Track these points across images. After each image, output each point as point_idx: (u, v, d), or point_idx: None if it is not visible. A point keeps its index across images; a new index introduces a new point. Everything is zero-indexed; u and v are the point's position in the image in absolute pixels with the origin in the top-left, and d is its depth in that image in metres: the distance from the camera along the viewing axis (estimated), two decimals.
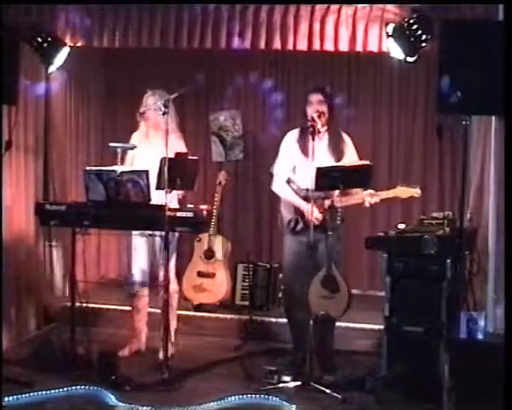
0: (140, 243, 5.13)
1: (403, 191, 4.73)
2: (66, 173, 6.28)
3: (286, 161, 4.94)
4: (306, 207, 4.71)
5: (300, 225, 4.80)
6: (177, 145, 4.89)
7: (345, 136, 4.99)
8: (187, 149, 5.13)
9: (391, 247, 4.67)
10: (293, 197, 4.87)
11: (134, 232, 5.09)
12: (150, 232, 4.89)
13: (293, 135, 4.98)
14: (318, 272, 4.66)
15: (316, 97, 4.84)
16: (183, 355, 5.12)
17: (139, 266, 5.16)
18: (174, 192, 4.79)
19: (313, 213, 4.63)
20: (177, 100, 4.77)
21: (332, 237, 4.66)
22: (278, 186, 4.98)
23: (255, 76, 7.09)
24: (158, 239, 4.97)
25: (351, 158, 4.88)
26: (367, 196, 4.71)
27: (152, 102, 5.01)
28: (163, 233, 4.61)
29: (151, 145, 5.05)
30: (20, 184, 5.51)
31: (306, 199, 4.73)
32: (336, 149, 4.88)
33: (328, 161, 4.77)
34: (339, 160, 4.83)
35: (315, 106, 4.81)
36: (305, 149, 4.79)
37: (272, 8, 5.20)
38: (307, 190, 4.67)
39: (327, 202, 4.76)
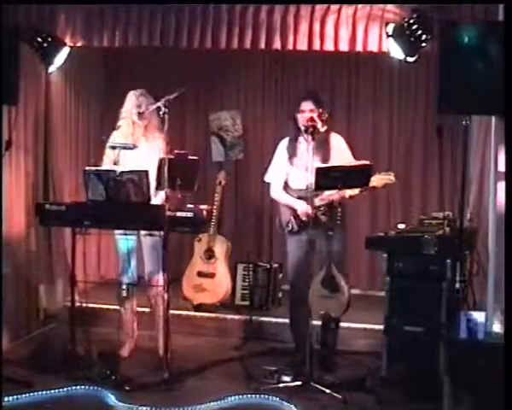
0: (121, 243, 5.12)
1: (378, 180, 4.74)
2: (66, 173, 6.28)
3: (278, 169, 5.06)
4: (300, 204, 4.82)
5: (296, 226, 4.85)
6: (163, 148, 4.86)
7: (338, 137, 5.00)
8: (186, 149, 5.13)
9: (391, 247, 4.67)
10: (289, 199, 4.98)
11: (114, 233, 5.09)
12: (135, 233, 4.92)
13: (283, 143, 5.09)
14: (319, 271, 4.67)
15: (307, 106, 4.87)
16: (183, 355, 5.12)
17: (124, 266, 5.15)
18: (162, 193, 4.75)
19: (303, 208, 4.76)
20: (176, 100, 4.77)
21: (332, 237, 4.67)
22: (274, 192, 5.11)
23: (255, 76, 7.10)
24: (148, 239, 4.96)
25: (341, 158, 4.88)
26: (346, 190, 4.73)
27: (144, 102, 5.00)
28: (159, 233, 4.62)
29: (141, 146, 5.03)
30: (20, 184, 5.51)
31: (300, 199, 4.86)
32: (321, 150, 4.88)
33: (314, 163, 4.75)
34: (325, 161, 4.84)
35: (306, 113, 4.84)
36: (293, 154, 4.95)
37: (272, 8, 5.19)
38: (300, 190, 4.83)
39: (316, 200, 4.79)
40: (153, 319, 5.12)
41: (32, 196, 5.62)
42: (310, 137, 4.68)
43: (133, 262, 5.14)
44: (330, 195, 4.76)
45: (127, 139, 5.03)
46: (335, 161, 4.83)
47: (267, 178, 5.15)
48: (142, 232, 4.91)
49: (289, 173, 5.00)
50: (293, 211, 4.92)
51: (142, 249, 5.11)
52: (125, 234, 4.97)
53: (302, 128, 4.83)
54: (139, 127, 5.07)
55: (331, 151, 4.91)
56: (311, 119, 4.78)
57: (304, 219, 4.82)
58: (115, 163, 4.92)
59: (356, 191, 4.76)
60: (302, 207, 4.82)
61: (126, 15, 5.41)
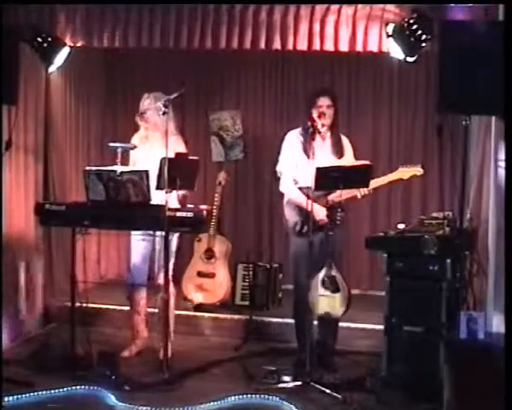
0: (137, 244, 5.13)
1: (404, 172, 4.76)
2: (66, 173, 6.28)
3: (290, 160, 4.96)
4: (316, 207, 4.73)
5: (306, 228, 4.79)
6: (177, 147, 4.90)
7: (344, 139, 5.02)
8: (187, 149, 5.13)
9: (391, 247, 4.67)
10: (301, 198, 4.84)
11: (132, 233, 5.11)
12: (148, 233, 4.91)
13: (295, 133, 5.01)
14: (319, 271, 4.67)
15: (324, 101, 4.85)
16: (183, 355, 5.12)
17: (137, 267, 5.16)
18: (174, 192, 4.77)
19: (321, 214, 4.69)
20: (177, 100, 4.77)
21: (332, 236, 4.67)
22: (286, 186, 4.99)
23: (255, 76, 7.11)
24: (156, 240, 4.97)
25: (349, 161, 4.90)
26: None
27: (148, 104, 5.01)
28: (163, 233, 4.62)
29: (151, 146, 5.05)
30: (20, 184, 5.51)
31: (308, 197, 4.74)
32: (338, 150, 4.91)
33: (330, 161, 4.79)
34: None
35: (323, 109, 4.83)
36: (307, 148, 4.81)
37: (272, 8, 5.19)
38: (308, 188, 4.68)
39: (329, 198, 4.78)
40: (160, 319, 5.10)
41: (33, 196, 5.62)
42: (317, 137, 4.69)
43: (144, 263, 5.15)
44: (337, 196, 4.76)
45: (142, 141, 5.09)
46: (348, 161, 4.84)
47: (280, 168, 5.02)
48: (158, 234, 4.87)
49: (299, 167, 4.89)
50: (300, 212, 4.85)
51: (154, 250, 5.12)
52: (143, 235, 4.98)
53: (312, 126, 4.78)
54: (150, 128, 5.07)
55: (344, 152, 4.93)
56: (312, 119, 4.79)
57: (316, 222, 4.73)
58: (122, 164, 4.94)
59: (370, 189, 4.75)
60: (321, 213, 4.74)
61: (126, 16, 5.41)
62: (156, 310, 5.09)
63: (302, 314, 4.87)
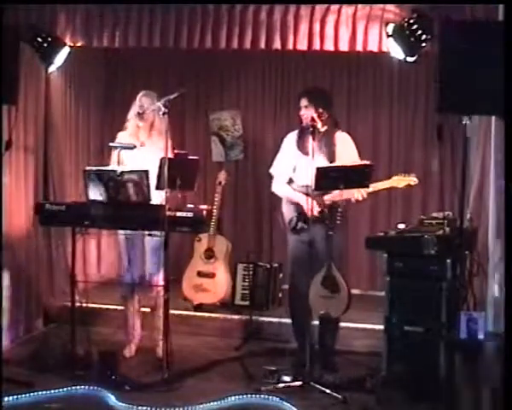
0: (130, 244, 5.12)
1: (399, 181, 4.77)
2: (66, 173, 6.28)
3: (285, 162, 5.01)
4: (305, 201, 4.76)
5: (301, 224, 4.84)
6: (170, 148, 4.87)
7: (343, 135, 5.01)
8: (186, 149, 5.13)
9: (391, 247, 4.66)
10: (292, 193, 4.94)
11: (118, 232, 5.09)
12: (132, 232, 4.91)
13: (292, 136, 5.05)
14: (319, 271, 4.67)
15: (303, 102, 4.91)
16: (183, 355, 5.12)
17: (131, 267, 5.15)
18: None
19: (313, 208, 4.69)
20: (177, 100, 4.77)
21: (332, 236, 4.67)
22: (277, 187, 5.07)
23: (255, 76, 7.11)
24: (151, 239, 4.96)
25: (348, 158, 4.88)
26: (355, 192, 4.72)
27: (147, 103, 5.00)
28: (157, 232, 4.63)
29: (142, 147, 5.03)
30: (20, 184, 5.51)
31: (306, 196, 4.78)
32: (328, 149, 4.89)
33: (321, 160, 4.78)
34: (331, 160, 4.86)
35: (302, 110, 4.89)
36: (302, 149, 4.88)
37: (272, 8, 5.19)
38: (306, 187, 4.72)
39: (325, 198, 4.79)
40: (153, 319, 5.12)
41: (33, 196, 5.61)
42: (310, 137, 4.69)
43: (136, 262, 5.14)
44: (336, 195, 4.76)
45: (131, 140, 5.04)
46: (341, 160, 4.83)
47: (272, 170, 5.11)
48: (145, 232, 4.89)
49: (296, 168, 4.94)
50: (297, 208, 4.90)
51: (144, 250, 5.11)
52: (129, 234, 4.97)
53: (304, 125, 4.84)
54: (143, 128, 5.07)
55: (336, 150, 4.92)
56: (312, 119, 4.80)
57: (308, 216, 4.75)
58: (118, 163, 4.92)
59: (364, 195, 4.74)
60: (308, 205, 4.75)
61: (126, 15, 5.41)
62: (148, 309, 5.10)
63: (298, 314, 4.88)
